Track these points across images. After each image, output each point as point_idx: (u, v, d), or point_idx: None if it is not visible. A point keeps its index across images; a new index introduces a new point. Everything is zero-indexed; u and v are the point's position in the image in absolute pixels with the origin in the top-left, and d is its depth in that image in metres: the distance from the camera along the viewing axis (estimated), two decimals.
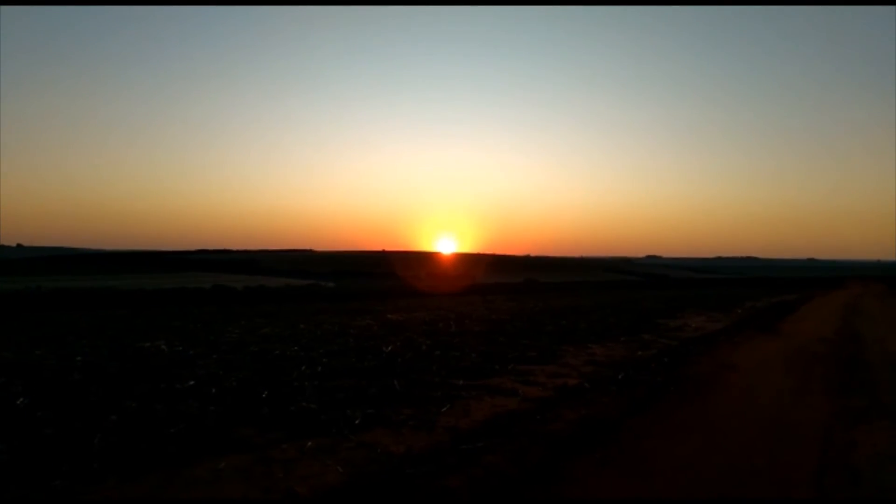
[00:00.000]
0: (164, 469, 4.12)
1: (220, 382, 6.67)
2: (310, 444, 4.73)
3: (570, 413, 5.90)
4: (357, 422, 5.32)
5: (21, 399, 5.67)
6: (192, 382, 6.62)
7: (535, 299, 26.91)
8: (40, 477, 3.90)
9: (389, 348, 9.49)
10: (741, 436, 5.34)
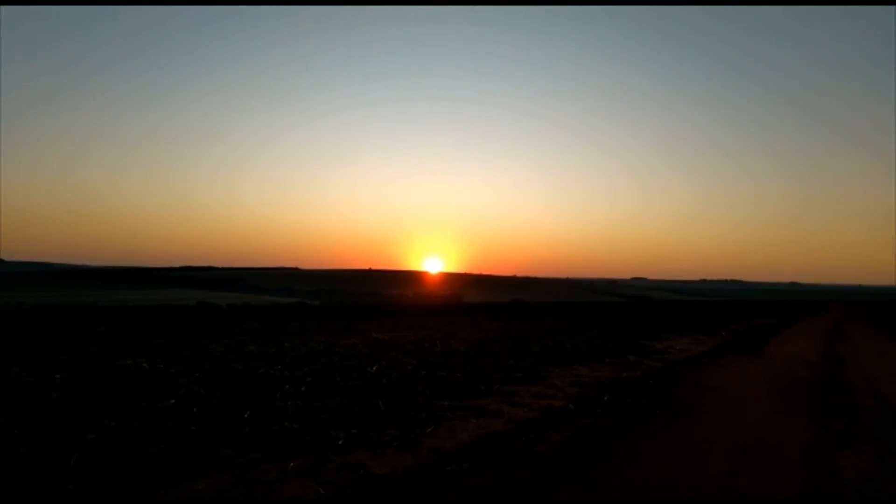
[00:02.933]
0: (143, 490, 4.04)
1: (202, 401, 6.59)
2: (292, 464, 4.67)
3: (555, 435, 5.89)
4: (340, 442, 5.27)
5: None
6: (172, 401, 6.52)
7: (521, 320, 26.91)
8: (12, 499, 3.80)
9: (374, 368, 9.42)
10: (726, 459, 5.34)
